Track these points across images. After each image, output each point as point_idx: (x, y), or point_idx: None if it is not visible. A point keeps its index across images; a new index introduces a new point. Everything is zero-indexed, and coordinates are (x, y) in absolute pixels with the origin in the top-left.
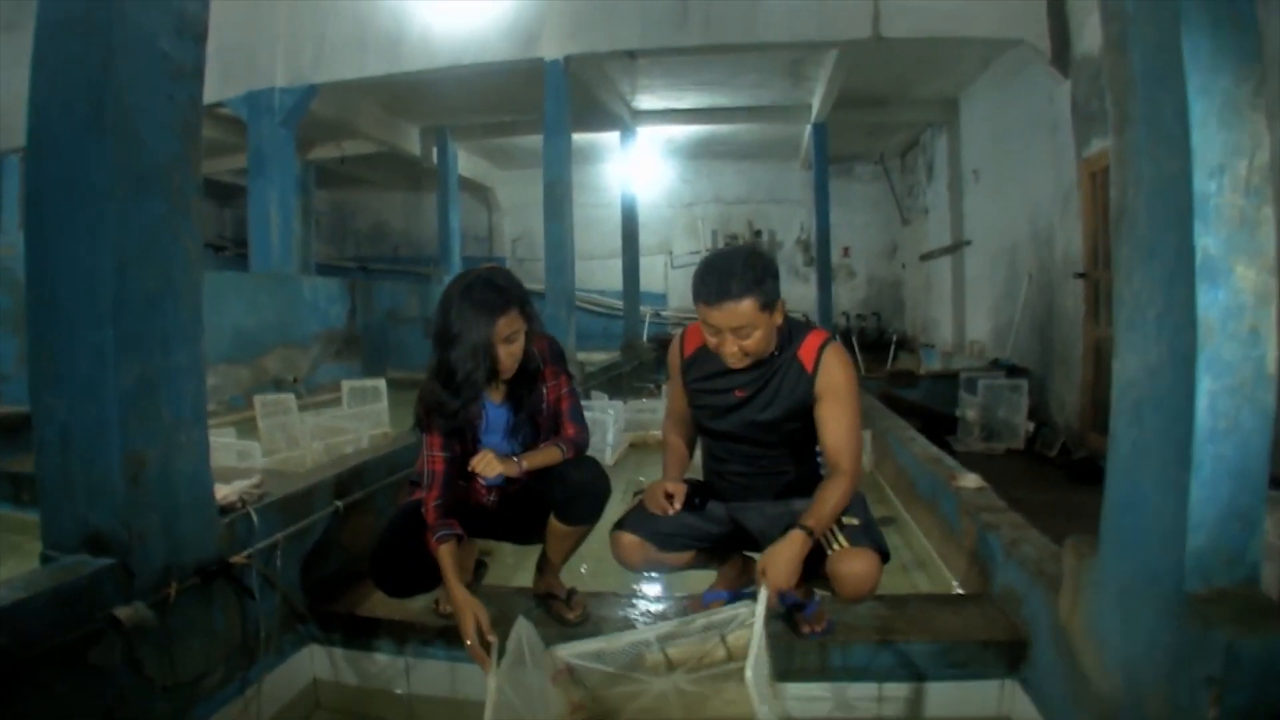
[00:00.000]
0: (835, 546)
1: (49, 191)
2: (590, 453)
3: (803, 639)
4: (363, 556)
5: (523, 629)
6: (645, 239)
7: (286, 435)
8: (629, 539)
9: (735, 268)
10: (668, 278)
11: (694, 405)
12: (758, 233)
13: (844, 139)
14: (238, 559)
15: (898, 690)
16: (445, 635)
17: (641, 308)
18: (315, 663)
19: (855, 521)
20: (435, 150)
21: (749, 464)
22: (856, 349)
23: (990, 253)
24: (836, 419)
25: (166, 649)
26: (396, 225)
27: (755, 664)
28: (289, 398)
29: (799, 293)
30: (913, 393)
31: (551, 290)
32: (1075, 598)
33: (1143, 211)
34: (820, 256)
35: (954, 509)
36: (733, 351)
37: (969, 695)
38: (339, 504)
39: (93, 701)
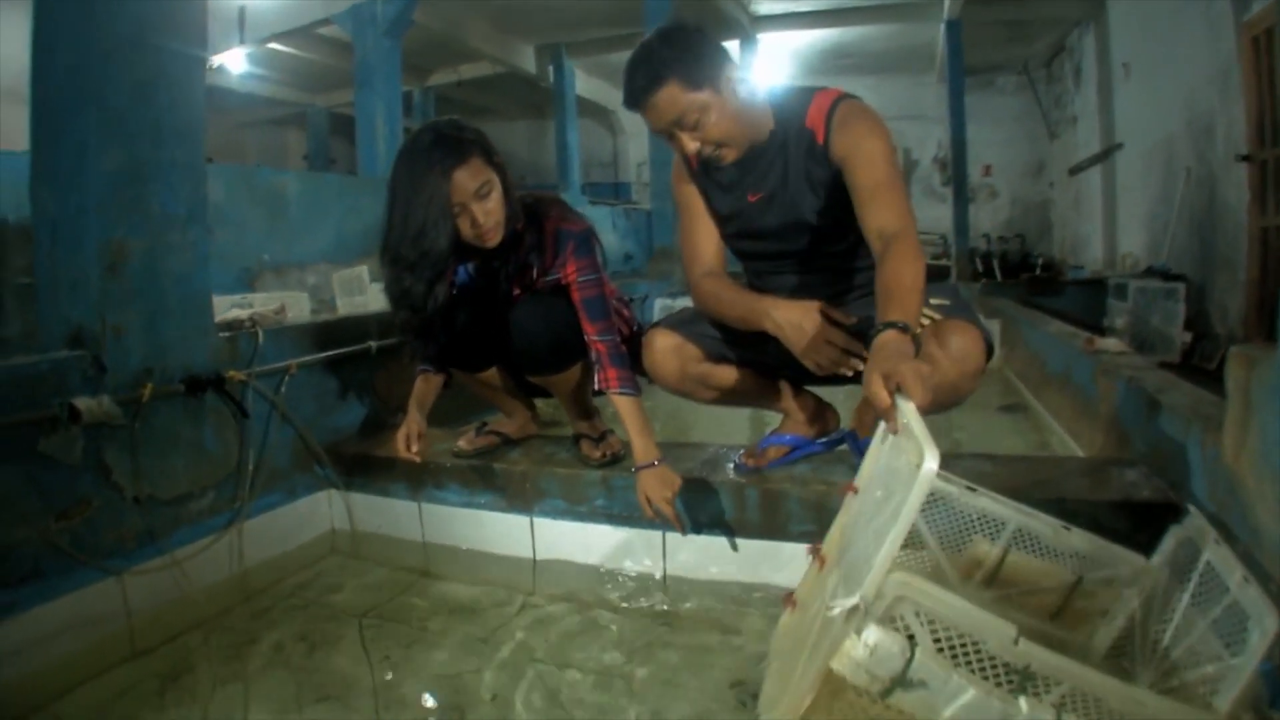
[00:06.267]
0: (923, 322)
1: None
2: None
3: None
4: (400, 405)
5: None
6: None
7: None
8: (665, 340)
9: (642, 53)
10: None
11: (731, 228)
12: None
13: (982, 47)
14: (234, 375)
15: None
16: (460, 478)
17: None
18: (333, 509)
19: (945, 301)
20: (551, 69)
21: (799, 271)
22: (998, 272)
23: (1143, 153)
24: (867, 181)
25: (138, 457)
26: (521, 155)
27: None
28: (362, 269)
29: (935, 214)
30: (1056, 301)
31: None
32: (1246, 424)
33: None
34: (956, 172)
35: (1089, 374)
36: (695, 149)
37: None
38: (373, 344)
39: (46, 497)
